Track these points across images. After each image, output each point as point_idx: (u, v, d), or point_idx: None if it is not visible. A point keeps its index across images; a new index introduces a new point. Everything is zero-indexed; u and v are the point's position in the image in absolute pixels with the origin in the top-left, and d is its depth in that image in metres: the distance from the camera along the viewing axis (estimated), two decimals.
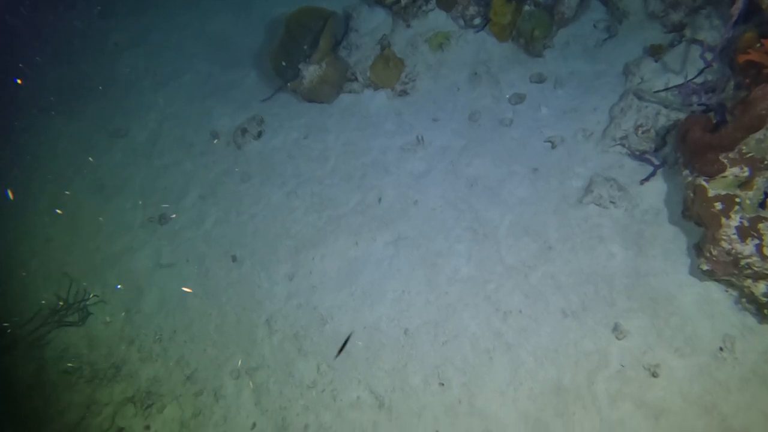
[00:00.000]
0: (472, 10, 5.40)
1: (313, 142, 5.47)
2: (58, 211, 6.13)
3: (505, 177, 4.73)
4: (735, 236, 3.11)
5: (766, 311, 3.30)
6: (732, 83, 3.65)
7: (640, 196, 4.24)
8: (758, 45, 3.24)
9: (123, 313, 5.18)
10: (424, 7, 5.58)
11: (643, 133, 4.23)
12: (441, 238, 4.57)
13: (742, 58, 3.00)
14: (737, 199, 3.11)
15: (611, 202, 4.16)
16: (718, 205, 3.14)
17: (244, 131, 5.57)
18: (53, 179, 6.48)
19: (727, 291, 3.64)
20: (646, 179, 4.19)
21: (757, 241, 3.08)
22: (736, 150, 3.15)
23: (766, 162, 3.16)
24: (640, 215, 4.17)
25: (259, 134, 5.57)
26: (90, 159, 5.84)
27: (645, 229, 4.08)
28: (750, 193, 3.21)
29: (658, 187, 4.22)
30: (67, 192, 6.38)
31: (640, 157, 4.28)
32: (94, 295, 4.87)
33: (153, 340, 5.08)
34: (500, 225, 4.49)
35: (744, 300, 3.45)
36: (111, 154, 6.18)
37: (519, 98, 5.03)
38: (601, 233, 4.19)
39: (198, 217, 5.48)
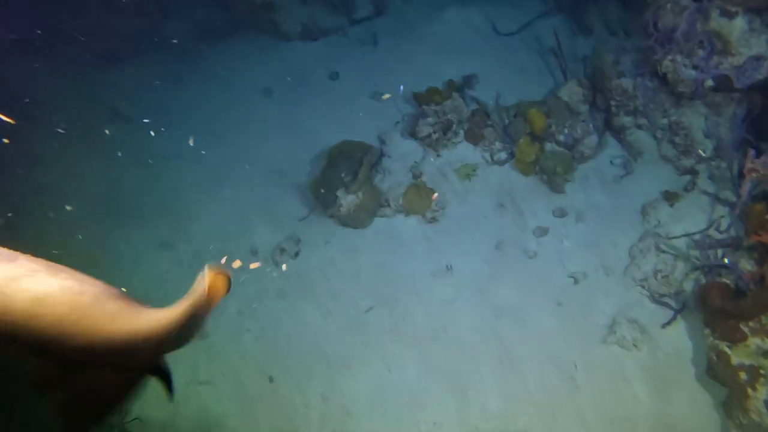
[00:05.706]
0: (497, 145, 5.89)
1: (348, 263, 5.80)
2: None
3: (530, 309, 4.98)
4: (765, 411, 3.28)
5: None
6: (745, 244, 3.96)
7: (663, 339, 4.45)
8: (766, 217, 3.56)
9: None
10: (453, 140, 6.08)
11: (662, 278, 4.51)
12: (471, 369, 4.77)
13: (753, 238, 3.31)
14: (762, 371, 3.31)
15: (634, 345, 4.37)
16: (743, 375, 3.35)
17: (282, 250, 5.94)
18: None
19: None
20: (668, 323, 4.43)
21: None
22: (756, 320, 3.40)
23: None
24: (663, 358, 4.36)
25: (297, 254, 5.93)
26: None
27: (669, 374, 4.26)
28: None
29: (679, 330, 4.45)
30: None
31: (659, 300, 4.53)
32: (135, 419, 5.06)
33: None
34: (527, 359, 4.70)
35: None
36: (158, 265, 6.53)
37: (542, 231, 5.38)
38: (626, 374, 4.38)
39: (235, 332, 5.73)
